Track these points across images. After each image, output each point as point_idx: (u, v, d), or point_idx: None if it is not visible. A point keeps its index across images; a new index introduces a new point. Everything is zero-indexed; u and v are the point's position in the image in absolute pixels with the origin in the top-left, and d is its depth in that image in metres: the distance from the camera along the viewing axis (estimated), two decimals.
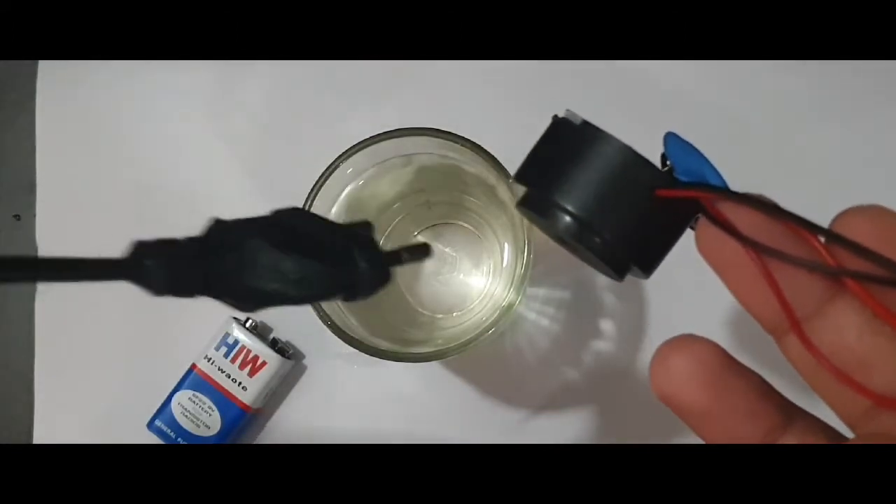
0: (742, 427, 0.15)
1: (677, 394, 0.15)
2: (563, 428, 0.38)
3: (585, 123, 0.17)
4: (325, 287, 0.17)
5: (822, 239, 0.15)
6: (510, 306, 0.30)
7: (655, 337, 0.38)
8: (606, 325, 0.39)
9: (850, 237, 0.14)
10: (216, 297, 0.16)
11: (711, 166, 0.16)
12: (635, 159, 0.16)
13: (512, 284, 0.31)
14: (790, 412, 0.16)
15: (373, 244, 0.18)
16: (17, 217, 0.41)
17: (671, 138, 0.17)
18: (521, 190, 0.18)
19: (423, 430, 0.38)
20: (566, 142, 0.17)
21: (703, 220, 0.15)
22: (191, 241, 0.16)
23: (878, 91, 0.39)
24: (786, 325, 0.15)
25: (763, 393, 0.16)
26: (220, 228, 0.17)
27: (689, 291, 0.36)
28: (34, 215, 0.41)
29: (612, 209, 0.16)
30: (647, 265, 0.17)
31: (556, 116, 0.18)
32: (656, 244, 0.17)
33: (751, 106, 0.39)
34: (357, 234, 0.18)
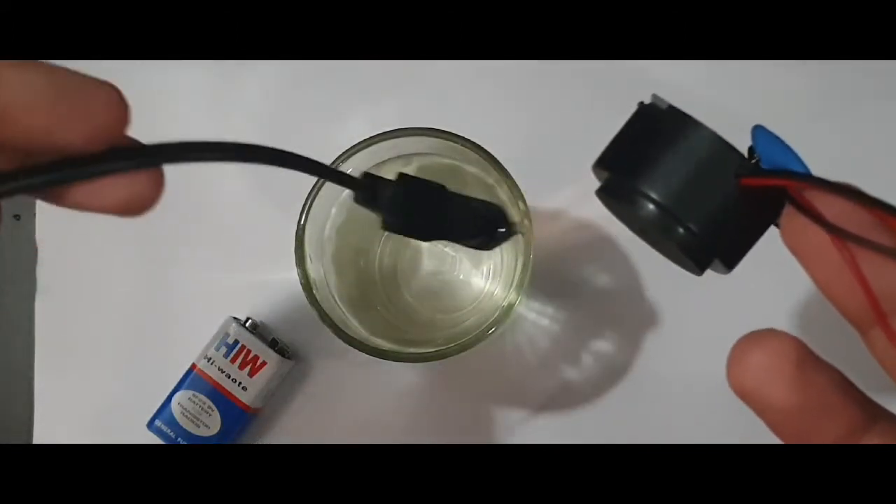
0: (823, 425, 0.15)
1: (757, 389, 0.15)
2: (563, 428, 0.38)
3: (672, 108, 0.17)
4: (476, 232, 0.24)
5: None
6: (510, 306, 0.30)
7: (655, 336, 0.38)
8: (606, 325, 0.39)
9: None
10: (405, 228, 0.22)
11: (799, 159, 0.16)
12: (723, 147, 0.16)
13: (512, 285, 0.31)
14: (873, 411, 0.15)
15: (507, 217, 0.25)
16: (17, 217, 0.41)
17: (759, 131, 0.16)
18: (602, 177, 0.18)
19: (423, 431, 0.38)
20: (651, 127, 0.17)
21: (789, 209, 0.15)
22: (396, 183, 0.21)
23: (877, 91, 0.39)
24: (871, 318, 0.15)
25: (845, 390, 0.15)
26: (407, 180, 0.22)
27: (690, 290, 0.36)
28: (34, 215, 0.40)
29: (699, 199, 0.16)
30: (731, 260, 0.16)
31: (641, 103, 0.17)
32: (742, 237, 0.16)
33: (751, 106, 0.39)
34: (498, 209, 0.25)
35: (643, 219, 0.16)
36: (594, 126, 0.39)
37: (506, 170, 0.30)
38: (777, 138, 0.16)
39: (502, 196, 0.33)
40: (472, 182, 0.35)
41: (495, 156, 0.30)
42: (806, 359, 0.15)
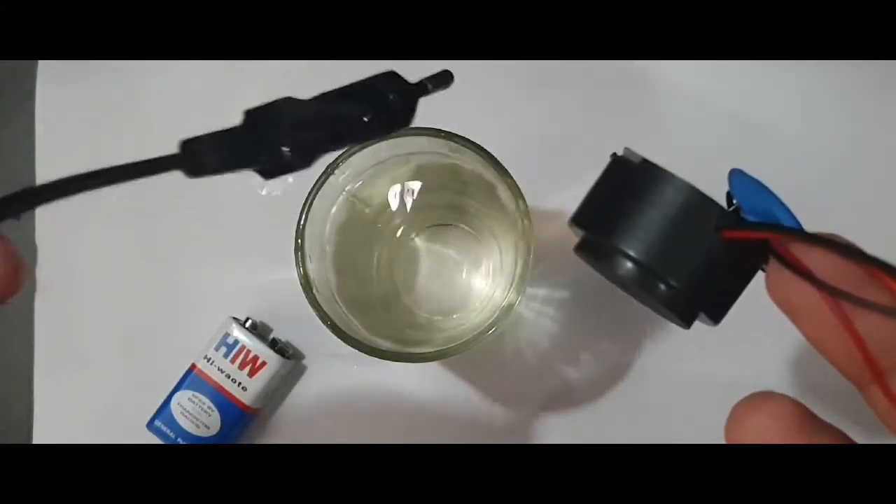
0: None
1: None
2: (563, 428, 0.38)
3: (645, 162, 0.16)
4: (359, 122, 0.19)
5: None
6: (510, 306, 0.30)
7: (655, 336, 0.38)
8: (606, 325, 0.39)
9: None
10: (266, 165, 0.17)
11: (782, 204, 0.15)
12: (700, 199, 0.15)
13: (512, 285, 0.31)
14: None
15: (398, 78, 0.20)
16: (17, 217, 0.41)
17: (737, 175, 0.16)
18: (579, 234, 0.17)
19: (423, 430, 0.38)
20: (625, 182, 0.16)
21: (773, 264, 0.14)
22: (231, 128, 0.17)
23: (879, 90, 0.39)
24: (868, 375, 0.14)
25: None
26: (252, 111, 0.17)
27: None
28: (34, 216, 0.41)
29: (677, 253, 0.15)
30: (717, 313, 0.16)
31: (614, 154, 0.17)
32: (725, 290, 0.16)
33: (751, 106, 0.39)
34: (381, 75, 0.19)
35: (623, 276, 0.16)
36: (594, 126, 0.40)
37: (506, 170, 0.30)
38: (757, 183, 0.16)
39: (502, 196, 0.33)
40: (472, 182, 0.35)
41: (495, 156, 0.30)
42: (805, 420, 0.14)
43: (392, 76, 0.20)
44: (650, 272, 0.15)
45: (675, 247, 0.15)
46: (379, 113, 0.19)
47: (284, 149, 0.17)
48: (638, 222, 0.15)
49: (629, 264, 0.16)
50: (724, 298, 0.16)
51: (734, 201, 0.16)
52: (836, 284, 0.14)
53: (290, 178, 0.40)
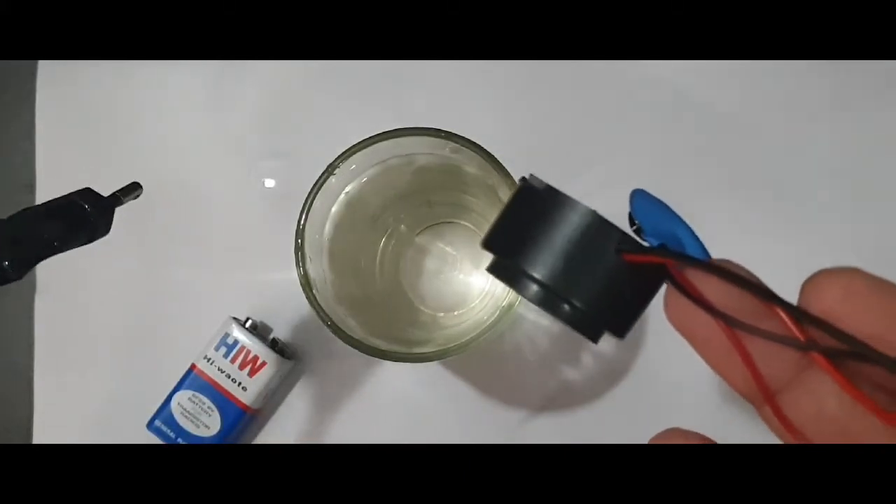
0: None
1: None
2: (563, 428, 0.38)
3: (549, 188, 0.17)
4: (66, 235, 0.23)
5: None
6: (510, 306, 0.30)
7: (655, 337, 0.38)
8: None
9: (821, 303, 0.13)
10: None
11: (685, 226, 0.16)
12: (600, 223, 0.16)
13: None
14: None
15: (92, 193, 0.23)
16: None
17: (638, 196, 0.16)
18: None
19: (423, 430, 0.38)
20: (531, 208, 0.17)
21: (670, 289, 0.15)
22: None
23: (878, 91, 0.39)
24: (762, 396, 0.15)
25: None
26: None
27: None
28: None
29: (580, 275, 0.16)
30: (620, 330, 0.17)
31: (522, 179, 0.18)
32: (627, 308, 0.16)
33: (752, 106, 0.39)
34: (76, 193, 0.23)
35: (530, 298, 0.17)
36: (594, 126, 0.40)
37: (506, 170, 0.30)
38: (660, 204, 0.16)
39: (502, 196, 0.33)
40: (473, 182, 0.35)
41: (495, 156, 0.30)
42: None
43: (87, 192, 0.23)
44: (554, 293, 0.16)
45: (577, 269, 0.16)
46: (80, 226, 0.23)
47: (4, 263, 0.21)
48: (542, 246, 0.16)
49: (535, 286, 0.16)
50: (627, 316, 0.17)
51: (636, 221, 0.16)
52: (728, 310, 0.14)
53: (289, 178, 0.40)
